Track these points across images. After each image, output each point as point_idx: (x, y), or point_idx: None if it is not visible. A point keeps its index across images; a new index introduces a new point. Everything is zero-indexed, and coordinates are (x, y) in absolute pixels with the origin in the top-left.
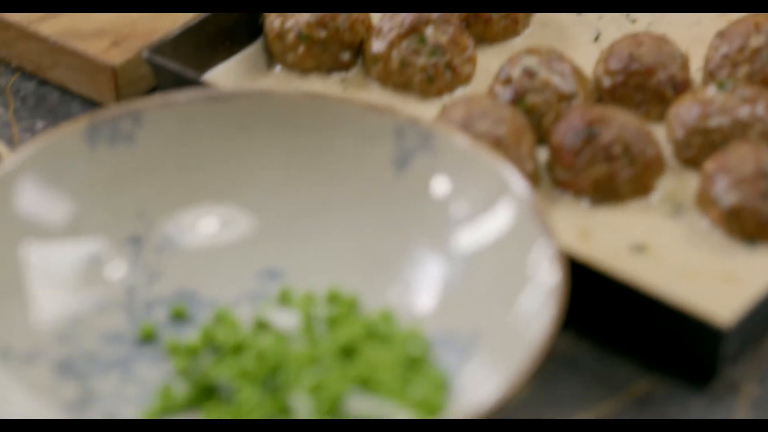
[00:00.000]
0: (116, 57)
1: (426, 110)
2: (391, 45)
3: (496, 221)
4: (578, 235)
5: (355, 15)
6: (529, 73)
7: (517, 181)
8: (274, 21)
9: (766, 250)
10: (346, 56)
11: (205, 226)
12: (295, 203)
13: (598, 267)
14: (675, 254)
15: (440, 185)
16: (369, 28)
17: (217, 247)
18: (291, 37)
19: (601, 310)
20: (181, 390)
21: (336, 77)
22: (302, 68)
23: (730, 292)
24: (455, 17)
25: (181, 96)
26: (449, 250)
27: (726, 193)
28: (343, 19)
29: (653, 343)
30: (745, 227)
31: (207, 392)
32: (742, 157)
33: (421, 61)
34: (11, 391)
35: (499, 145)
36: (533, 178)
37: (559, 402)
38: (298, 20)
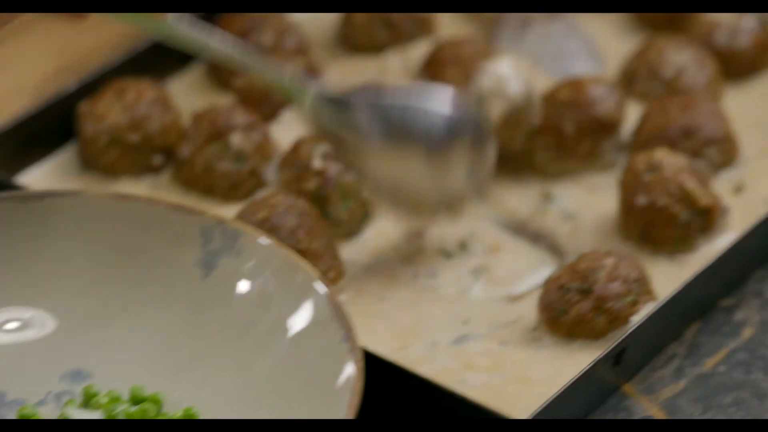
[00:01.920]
0: None
1: (230, 213)
2: (197, 150)
3: (297, 321)
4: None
5: (167, 119)
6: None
7: (319, 282)
8: (87, 125)
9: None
10: (157, 160)
11: (10, 326)
12: (103, 304)
13: (402, 367)
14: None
15: (245, 287)
16: (180, 132)
17: (22, 348)
18: (103, 140)
19: (404, 414)
20: None
21: (147, 181)
22: (115, 171)
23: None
24: (261, 124)
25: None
26: (251, 350)
27: None
28: (154, 123)
29: None
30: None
31: None
32: None
33: (225, 166)
34: None
35: (300, 243)
36: (337, 274)
37: None
38: (111, 124)
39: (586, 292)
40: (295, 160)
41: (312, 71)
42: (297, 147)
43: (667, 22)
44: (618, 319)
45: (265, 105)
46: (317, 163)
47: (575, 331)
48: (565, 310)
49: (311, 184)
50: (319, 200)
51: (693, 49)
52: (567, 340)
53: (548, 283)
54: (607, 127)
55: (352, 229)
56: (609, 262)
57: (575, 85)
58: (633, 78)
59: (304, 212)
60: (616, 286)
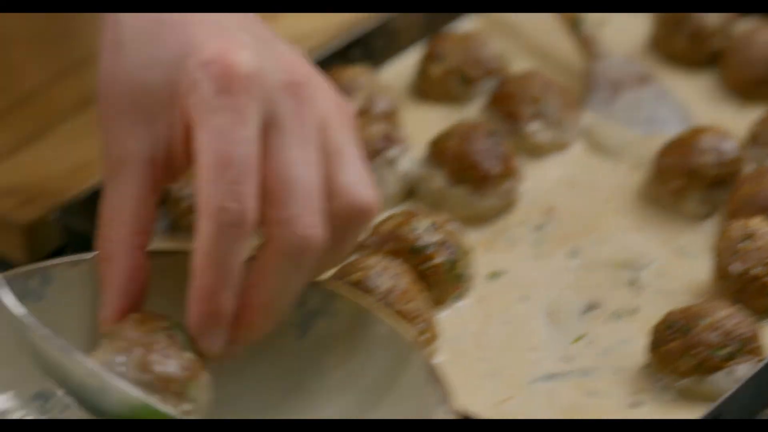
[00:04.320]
0: (27, 215)
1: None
2: None
3: (394, 383)
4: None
5: None
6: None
7: (415, 344)
8: (172, 188)
9: None
10: None
11: None
12: None
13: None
14: None
15: (340, 348)
16: None
17: None
18: (185, 204)
19: None
20: None
21: None
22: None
23: None
24: None
25: (90, 255)
26: (347, 411)
27: None
28: None
29: None
30: None
31: None
32: None
33: None
34: None
35: (395, 305)
36: (432, 336)
37: None
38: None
39: (683, 333)
40: (402, 243)
41: (390, 140)
42: (396, 236)
43: (757, 88)
44: (704, 368)
45: None
46: (433, 237)
47: (661, 366)
48: (659, 344)
49: (439, 259)
50: (450, 268)
51: None
52: (667, 401)
53: (666, 315)
54: (697, 176)
55: (470, 281)
56: (720, 313)
57: (699, 131)
58: (754, 142)
59: (399, 274)
60: (714, 336)
